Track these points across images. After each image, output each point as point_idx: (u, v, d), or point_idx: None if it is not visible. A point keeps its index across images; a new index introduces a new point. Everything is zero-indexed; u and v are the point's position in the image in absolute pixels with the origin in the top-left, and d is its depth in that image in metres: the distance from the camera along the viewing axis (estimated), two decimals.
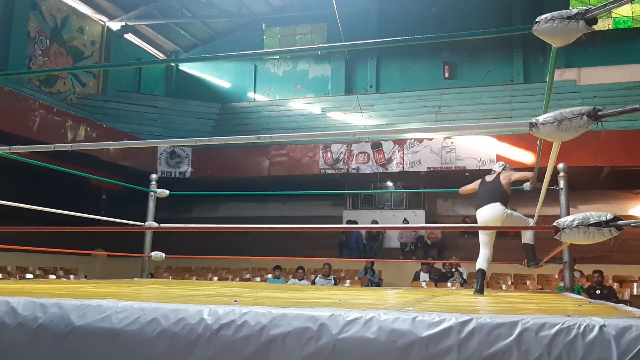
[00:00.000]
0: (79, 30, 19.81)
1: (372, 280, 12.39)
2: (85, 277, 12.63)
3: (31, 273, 12.19)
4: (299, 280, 11.11)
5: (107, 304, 2.40)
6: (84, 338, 2.34)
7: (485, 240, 5.73)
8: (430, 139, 14.69)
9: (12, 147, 3.36)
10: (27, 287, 3.85)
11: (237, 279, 12.90)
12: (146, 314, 2.31)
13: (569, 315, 1.98)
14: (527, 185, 5.94)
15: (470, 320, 1.98)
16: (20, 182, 12.69)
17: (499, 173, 5.74)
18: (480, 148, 14.29)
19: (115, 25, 20.86)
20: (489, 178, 5.73)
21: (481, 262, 5.66)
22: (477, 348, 1.93)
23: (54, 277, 11.93)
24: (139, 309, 2.34)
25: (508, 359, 1.92)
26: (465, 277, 11.98)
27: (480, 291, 5.40)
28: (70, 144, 3.22)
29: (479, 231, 5.82)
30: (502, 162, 5.97)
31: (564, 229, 2.27)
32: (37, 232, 10.45)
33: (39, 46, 18.18)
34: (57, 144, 3.36)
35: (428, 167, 14.67)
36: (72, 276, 12.53)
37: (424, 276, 12.15)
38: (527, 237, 5.77)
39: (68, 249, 7.49)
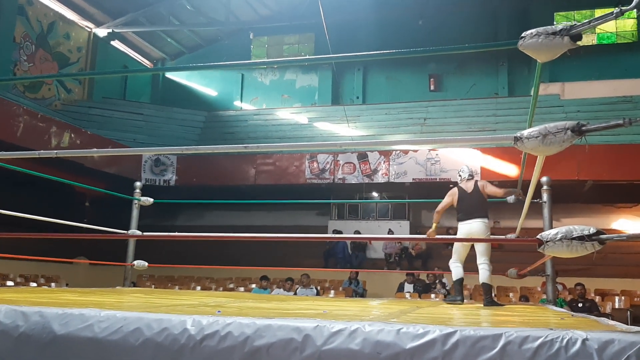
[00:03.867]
0: (65, 36, 19.70)
1: (356, 290, 12.38)
2: (67, 285, 12.48)
3: (12, 280, 12.04)
4: (286, 291, 11.07)
5: (90, 312, 2.38)
6: (65, 347, 2.32)
7: (462, 253, 5.79)
8: (416, 151, 14.76)
9: None
10: (8, 295, 3.80)
11: (221, 288, 12.82)
12: (129, 323, 2.29)
13: (552, 329, 1.99)
14: (511, 198, 5.97)
15: (454, 332, 1.98)
16: (1, 188, 12.55)
17: (476, 182, 5.79)
18: (465, 160, 14.37)
19: (102, 32, 20.78)
20: (468, 188, 5.73)
21: (461, 273, 5.75)
22: None
23: (35, 284, 11.78)
24: (121, 318, 2.32)
25: None
26: (448, 288, 12.02)
27: (452, 301, 5.50)
28: (55, 151, 3.20)
29: (461, 243, 5.80)
30: (465, 167, 5.99)
31: (547, 242, 2.28)
32: (19, 239, 10.33)
33: (24, 51, 18.04)
34: (42, 151, 3.33)
35: (413, 179, 14.73)
36: (53, 284, 12.39)
37: (408, 287, 12.17)
38: (487, 276, 5.59)
39: (50, 256, 7.41)
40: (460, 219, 5.65)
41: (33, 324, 2.38)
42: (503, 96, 19.21)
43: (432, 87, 20.29)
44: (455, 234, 5.94)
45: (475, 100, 18.77)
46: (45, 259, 8.24)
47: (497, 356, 1.92)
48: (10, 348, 2.37)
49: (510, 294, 11.95)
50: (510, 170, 13.78)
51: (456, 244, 5.75)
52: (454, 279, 5.73)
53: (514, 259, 10.31)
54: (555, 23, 15.61)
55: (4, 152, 3.37)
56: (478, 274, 5.69)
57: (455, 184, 5.96)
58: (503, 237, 6.05)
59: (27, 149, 11.32)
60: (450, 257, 5.92)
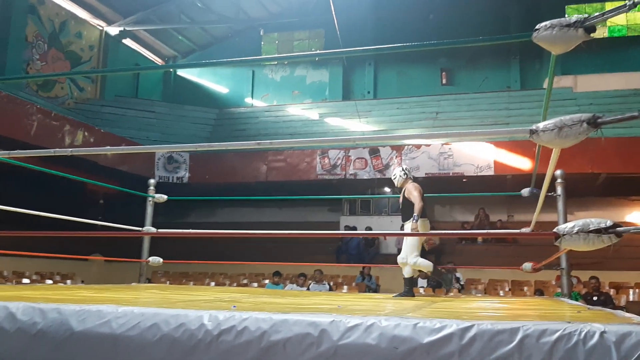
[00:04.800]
0: (77, 35, 19.81)
1: (369, 286, 12.38)
2: (82, 282, 12.59)
3: (28, 278, 12.15)
4: (299, 286, 11.10)
5: (107, 309, 2.39)
6: (83, 343, 2.33)
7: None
8: (428, 145, 14.70)
9: (12, 151, 3.36)
10: (25, 292, 3.84)
11: (235, 284, 12.89)
12: (146, 319, 2.30)
13: (569, 322, 1.98)
14: (525, 191, 5.96)
15: (471, 326, 1.98)
16: (16, 186, 12.66)
17: None
18: (478, 154, 14.31)
19: (113, 30, 20.88)
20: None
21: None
22: (478, 354, 1.94)
23: (50, 282, 11.89)
24: (139, 314, 2.33)
25: None
26: (462, 282, 11.99)
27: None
28: (70, 149, 3.22)
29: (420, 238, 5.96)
30: (406, 167, 6.10)
31: (564, 235, 2.27)
32: (34, 237, 10.41)
33: (36, 50, 18.16)
34: (57, 149, 3.35)
35: (426, 173, 14.66)
36: (69, 281, 12.49)
37: (422, 282, 12.14)
38: (409, 270, 5.86)
39: (65, 253, 7.47)
40: (426, 215, 5.77)
41: (51, 320, 2.40)
42: (515, 89, 19.09)
43: (443, 81, 20.20)
44: (470, 229, 5.91)
45: (487, 94, 18.66)
46: (60, 256, 8.31)
47: (514, 350, 1.92)
48: (28, 344, 2.39)
49: (525, 288, 11.91)
50: (523, 163, 13.71)
51: (418, 239, 5.80)
52: (431, 268, 5.86)
53: (527, 253, 10.25)
54: (566, 16, 15.50)
55: (21, 151, 3.40)
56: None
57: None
58: (518, 231, 6.00)
59: (41, 147, 11.41)
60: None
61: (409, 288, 5.83)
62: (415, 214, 5.58)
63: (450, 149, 14.55)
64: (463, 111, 17.66)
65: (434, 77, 20.35)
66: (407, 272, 5.84)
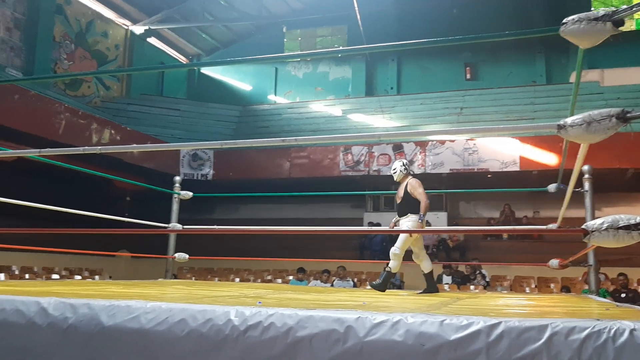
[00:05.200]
0: (103, 34, 20.07)
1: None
2: (110, 277, 12.77)
3: (57, 273, 12.36)
4: (323, 283, 11.13)
5: (136, 304, 2.43)
6: (113, 338, 2.38)
7: None
8: (453, 141, 14.59)
9: (42, 150, 3.42)
10: (55, 287, 3.91)
11: (259, 280, 12.96)
12: (174, 314, 2.33)
13: (598, 319, 1.96)
14: (552, 187, 5.90)
15: (499, 323, 1.97)
16: (45, 184, 12.88)
17: None
18: (503, 150, 14.16)
19: (138, 29, 21.11)
20: None
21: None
22: (506, 351, 1.92)
23: (79, 277, 12.09)
24: (167, 309, 2.36)
25: None
26: (488, 279, 11.90)
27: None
28: (99, 147, 3.27)
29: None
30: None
31: (593, 231, 2.25)
32: (63, 233, 10.58)
33: (64, 50, 18.45)
34: (86, 147, 3.41)
35: (450, 169, 14.56)
36: (97, 277, 12.69)
37: (447, 279, 12.09)
38: (427, 265, 5.82)
39: (93, 250, 7.59)
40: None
41: (81, 315, 2.45)
42: (541, 84, 18.84)
43: (467, 76, 20.01)
44: (496, 225, 5.87)
45: (512, 88, 18.46)
46: (88, 252, 8.43)
47: (543, 347, 1.90)
48: (59, 339, 2.44)
49: (552, 285, 11.78)
50: (549, 159, 13.53)
51: (407, 235, 5.60)
52: (395, 270, 5.70)
53: (553, 250, 10.14)
54: (592, 9, 15.22)
55: (51, 149, 3.46)
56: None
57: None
58: (545, 227, 5.94)
59: (69, 145, 11.61)
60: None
61: (432, 283, 5.80)
62: (421, 213, 5.51)
63: (474, 144, 14.42)
64: (488, 106, 17.48)
65: (458, 72, 20.17)
66: (425, 268, 5.78)
